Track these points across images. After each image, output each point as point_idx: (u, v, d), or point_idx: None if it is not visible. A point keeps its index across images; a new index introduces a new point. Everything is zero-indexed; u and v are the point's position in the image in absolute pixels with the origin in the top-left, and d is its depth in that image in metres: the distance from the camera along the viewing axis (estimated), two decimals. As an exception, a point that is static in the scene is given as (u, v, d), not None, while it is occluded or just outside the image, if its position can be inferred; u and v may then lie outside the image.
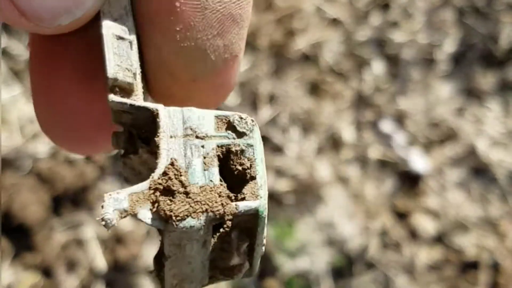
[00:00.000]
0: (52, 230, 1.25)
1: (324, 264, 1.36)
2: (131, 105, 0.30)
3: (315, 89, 1.43)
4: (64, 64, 0.32)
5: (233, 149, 0.30)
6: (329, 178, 1.38)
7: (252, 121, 0.30)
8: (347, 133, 1.41)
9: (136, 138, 0.32)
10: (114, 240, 1.28)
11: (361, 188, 1.41)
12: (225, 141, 0.30)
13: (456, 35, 1.47)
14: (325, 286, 1.34)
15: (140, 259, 1.26)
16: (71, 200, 1.27)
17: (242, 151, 0.30)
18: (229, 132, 0.30)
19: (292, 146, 1.36)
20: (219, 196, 0.29)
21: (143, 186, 0.28)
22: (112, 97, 0.30)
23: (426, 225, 1.43)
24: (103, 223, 0.27)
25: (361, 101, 1.44)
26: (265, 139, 1.37)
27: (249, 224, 0.30)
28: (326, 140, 1.40)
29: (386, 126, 1.44)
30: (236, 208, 0.29)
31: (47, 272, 1.24)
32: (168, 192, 0.28)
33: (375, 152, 1.42)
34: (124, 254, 1.26)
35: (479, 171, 1.49)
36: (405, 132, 1.45)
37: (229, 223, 0.29)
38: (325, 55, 1.38)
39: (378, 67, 1.44)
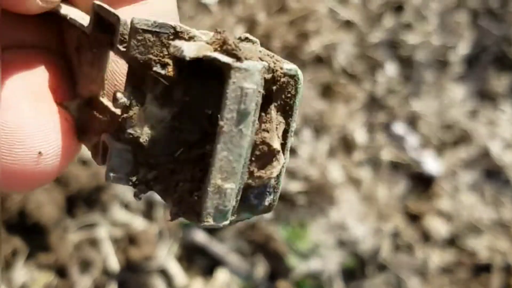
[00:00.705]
0: (66, 230, 1.26)
1: (336, 265, 1.36)
2: (155, 21, 0.32)
3: (328, 91, 1.43)
4: None
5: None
6: (341, 179, 1.38)
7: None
8: (360, 135, 1.41)
9: (149, 77, 0.32)
10: (127, 240, 1.28)
11: (373, 190, 1.41)
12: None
13: (470, 37, 1.46)
14: (337, 287, 1.34)
15: (153, 259, 1.27)
16: (84, 200, 1.28)
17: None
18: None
19: (304, 147, 1.37)
20: (267, 56, 0.31)
21: (199, 43, 0.30)
22: (136, 17, 0.31)
23: (439, 227, 1.43)
24: (181, 53, 0.30)
25: (374, 103, 1.44)
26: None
27: (288, 92, 0.31)
28: (338, 141, 1.40)
29: (399, 128, 1.44)
30: (282, 65, 0.31)
31: (61, 271, 1.25)
32: (225, 44, 0.30)
33: (387, 154, 1.42)
34: (137, 254, 1.27)
35: (492, 173, 1.48)
36: (418, 134, 1.45)
37: (280, 76, 0.31)
38: (338, 57, 1.39)
39: (391, 69, 1.44)
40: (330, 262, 1.35)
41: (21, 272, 1.22)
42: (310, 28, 1.36)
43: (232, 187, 0.30)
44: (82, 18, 0.35)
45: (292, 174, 1.37)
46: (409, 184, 1.45)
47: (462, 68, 1.48)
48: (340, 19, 1.40)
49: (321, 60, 1.41)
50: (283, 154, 0.32)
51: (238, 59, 0.29)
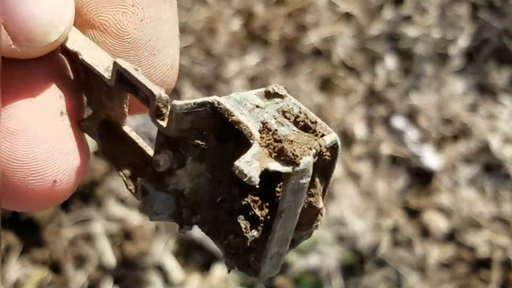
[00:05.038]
0: (60, 226, 1.24)
1: (335, 261, 1.34)
2: (194, 103, 0.34)
3: (326, 84, 1.41)
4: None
5: (285, 109, 0.35)
6: (340, 174, 1.36)
7: (284, 87, 0.36)
8: (359, 129, 1.40)
9: (188, 144, 0.35)
10: (123, 235, 1.27)
11: (372, 184, 1.40)
12: (277, 105, 0.35)
13: (470, 30, 1.45)
14: (336, 283, 1.33)
15: (149, 255, 1.25)
16: (79, 195, 1.26)
17: (292, 108, 0.35)
18: (273, 99, 0.36)
19: (303, 141, 1.35)
20: (308, 137, 0.34)
21: (254, 149, 0.33)
22: (176, 102, 0.33)
23: (438, 222, 1.42)
24: (251, 180, 0.31)
25: (373, 97, 1.42)
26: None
27: (328, 159, 0.35)
28: (337, 135, 1.39)
29: (399, 122, 1.42)
30: (325, 141, 0.34)
31: (55, 267, 1.23)
32: (276, 144, 0.33)
33: (387, 148, 1.41)
34: (133, 250, 1.25)
35: (492, 168, 1.47)
36: (418, 128, 1.44)
37: (324, 152, 0.34)
38: (337, 49, 1.37)
39: (390, 62, 1.43)
40: (329, 258, 1.34)
41: (15, 268, 1.20)
42: (309, 20, 1.34)
43: (285, 250, 0.36)
44: (94, 58, 0.36)
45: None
46: (409, 178, 1.43)
47: (462, 61, 1.46)
48: (339, 11, 1.38)
49: (320, 53, 1.39)
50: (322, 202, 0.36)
51: (296, 165, 0.32)
